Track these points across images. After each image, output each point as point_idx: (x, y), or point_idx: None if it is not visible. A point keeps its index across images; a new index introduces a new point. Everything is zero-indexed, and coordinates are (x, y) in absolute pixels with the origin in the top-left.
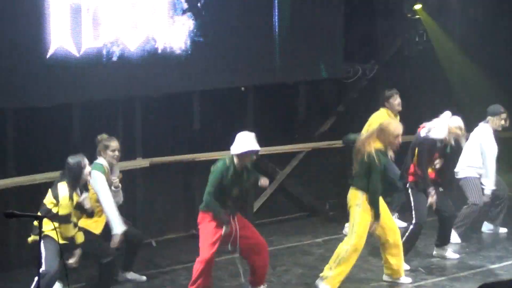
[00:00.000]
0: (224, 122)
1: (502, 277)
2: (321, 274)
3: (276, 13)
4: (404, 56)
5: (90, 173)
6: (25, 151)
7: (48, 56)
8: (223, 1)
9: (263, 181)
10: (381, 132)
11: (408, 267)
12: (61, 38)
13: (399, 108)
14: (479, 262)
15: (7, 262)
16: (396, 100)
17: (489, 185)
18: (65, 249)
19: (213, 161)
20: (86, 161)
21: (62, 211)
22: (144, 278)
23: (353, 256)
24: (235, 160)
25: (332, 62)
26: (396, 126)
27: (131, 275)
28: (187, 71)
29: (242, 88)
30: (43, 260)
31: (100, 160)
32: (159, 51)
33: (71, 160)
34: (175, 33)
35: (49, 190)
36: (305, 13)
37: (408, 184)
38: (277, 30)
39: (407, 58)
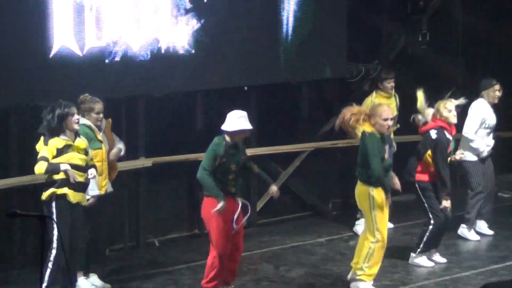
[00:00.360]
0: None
1: (505, 277)
2: (350, 277)
3: (282, 12)
4: (408, 56)
5: (78, 121)
6: (28, 151)
7: (51, 55)
8: (227, 0)
9: (274, 191)
10: (372, 112)
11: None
12: (64, 37)
13: (391, 91)
14: (482, 262)
15: (10, 262)
16: (390, 84)
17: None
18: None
19: None
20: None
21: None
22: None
23: (381, 251)
24: (227, 138)
25: (336, 61)
26: (386, 109)
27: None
28: (190, 70)
29: (245, 88)
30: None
31: (84, 121)
32: (162, 50)
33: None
34: (178, 32)
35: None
36: (309, 13)
37: (417, 184)
38: (283, 29)
39: (411, 58)
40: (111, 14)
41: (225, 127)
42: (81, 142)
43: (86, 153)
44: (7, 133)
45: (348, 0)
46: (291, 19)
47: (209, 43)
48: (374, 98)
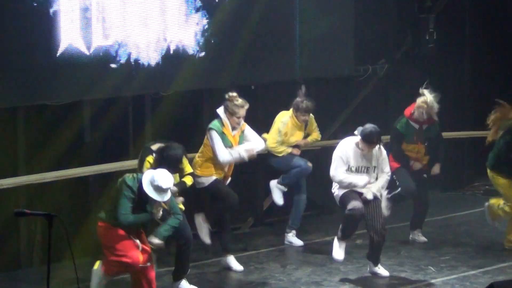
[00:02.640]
0: None
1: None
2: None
3: (290, 12)
4: (414, 55)
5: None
6: (36, 150)
7: (58, 54)
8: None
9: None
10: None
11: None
12: (71, 36)
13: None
14: (489, 260)
15: (17, 261)
16: (305, 117)
17: None
18: None
19: None
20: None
21: None
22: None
23: None
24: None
25: (343, 61)
26: None
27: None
28: (197, 69)
29: (252, 87)
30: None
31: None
32: (169, 48)
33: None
34: (185, 31)
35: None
36: (317, 12)
37: None
38: (291, 29)
39: (417, 57)
40: (119, 13)
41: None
42: None
43: None
44: (15, 132)
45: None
46: (298, 19)
47: (216, 42)
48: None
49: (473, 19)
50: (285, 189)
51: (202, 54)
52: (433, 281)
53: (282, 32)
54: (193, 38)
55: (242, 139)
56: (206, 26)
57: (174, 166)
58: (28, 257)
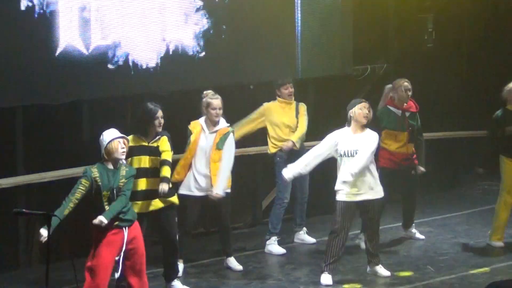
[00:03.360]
0: (232, 119)
1: (511, 276)
2: None
3: (289, 11)
4: (413, 54)
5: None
6: (34, 149)
7: (57, 53)
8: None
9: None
10: None
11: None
12: (70, 36)
13: (291, 98)
14: (488, 260)
15: (16, 260)
16: (288, 90)
17: None
18: None
19: None
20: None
21: None
22: None
23: None
24: None
25: (342, 60)
26: None
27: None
28: (196, 69)
29: (251, 86)
30: None
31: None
32: (168, 48)
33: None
34: (184, 31)
35: None
36: (316, 12)
37: None
38: (290, 28)
39: (416, 56)
40: (117, 13)
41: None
42: None
43: None
44: (14, 132)
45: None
46: (298, 18)
47: (215, 42)
48: (269, 104)
49: (471, 19)
50: (278, 238)
51: (201, 54)
52: (431, 280)
53: (282, 32)
54: (192, 38)
55: (222, 142)
56: (205, 26)
57: (148, 119)
58: (26, 257)
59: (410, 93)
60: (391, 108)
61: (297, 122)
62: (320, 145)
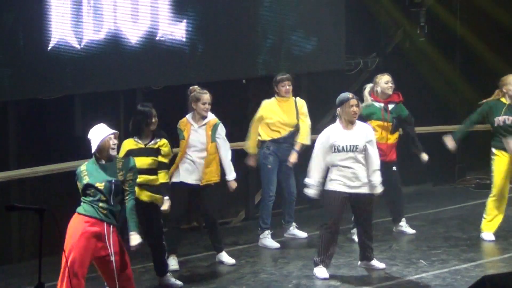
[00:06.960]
0: (225, 114)
1: (503, 270)
2: None
3: (280, 4)
4: (406, 49)
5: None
6: (27, 144)
7: (49, 48)
8: None
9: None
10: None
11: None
12: (62, 30)
13: (288, 95)
14: (480, 254)
15: (9, 255)
16: (285, 87)
17: None
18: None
19: None
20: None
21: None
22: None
23: None
24: None
25: (334, 54)
26: None
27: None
28: (188, 63)
29: (244, 81)
30: None
31: None
32: (160, 43)
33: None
34: (177, 25)
35: None
36: (308, 5)
37: None
38: (281, 22)
39: (409, 51)
40: (110, 7)
41: None
42: None
43: None
44: (6, 126)
45: None
46: (289, 11)
47: (208, 36)
48: (268, 102)
49: (464, 13)
50: (271, 232)
51: (194, 48)
52: (424, 274)
53: (273, 26)
54: (185, 32)
55: (214, 134)
56: (198, 20)
57: (142, 122)
58: (19, 251)
59: (391, 85)
60: (375, 103)
61: (298, 122)
62: (317, 150)
